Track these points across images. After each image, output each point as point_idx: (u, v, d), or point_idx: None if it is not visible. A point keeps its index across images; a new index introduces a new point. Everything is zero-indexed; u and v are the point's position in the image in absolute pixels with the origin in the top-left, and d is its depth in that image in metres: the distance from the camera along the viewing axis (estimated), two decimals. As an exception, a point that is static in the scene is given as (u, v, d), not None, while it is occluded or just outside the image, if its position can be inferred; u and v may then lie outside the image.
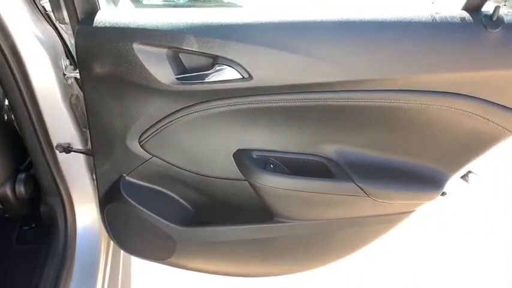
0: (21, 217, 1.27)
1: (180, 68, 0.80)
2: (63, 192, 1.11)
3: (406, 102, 0.78)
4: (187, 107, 0.85)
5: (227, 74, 0.78)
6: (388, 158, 0.87)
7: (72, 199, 1.14)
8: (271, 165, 0.89)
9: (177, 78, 0.79)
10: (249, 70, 0.76)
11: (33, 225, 1.27)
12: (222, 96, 0.82)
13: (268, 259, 1.05)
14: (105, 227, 1.06)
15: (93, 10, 0.81)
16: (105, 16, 0.80)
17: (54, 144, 1.02)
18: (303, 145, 0.89)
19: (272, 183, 0.86)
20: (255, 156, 0.89)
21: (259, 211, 0.94)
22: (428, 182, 0.88)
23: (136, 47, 0.77)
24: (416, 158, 0.87)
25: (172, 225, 0.98)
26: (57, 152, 1.04)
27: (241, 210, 0.99)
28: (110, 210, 1.02)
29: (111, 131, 0.91)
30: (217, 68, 0.78)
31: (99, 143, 0.94)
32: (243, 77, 0.77)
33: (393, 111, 0.80)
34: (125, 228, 1.04)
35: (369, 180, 0.86)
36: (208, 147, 0.92)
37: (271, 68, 0.77)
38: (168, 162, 0.94)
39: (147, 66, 0.78)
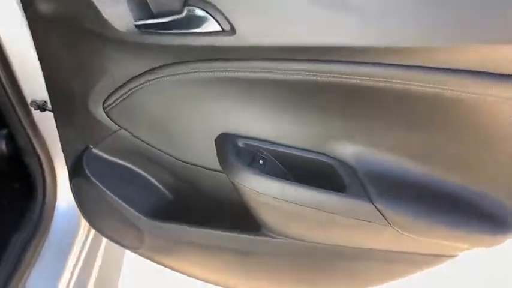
0: (5, 175, 1.17)
1: (143, 12, 0.58)
2: (41, 155, 0.98)
3: (464, 89, 0.49)
4: (155, 69, 0.63)
5: (201, 23, 0.55)
6: (426, 173, 0.59)
7: (53, 163, 1.00)
8: (260, 161, 0.66)
9: (136, 26, 0.58)
10: (230, 19, 0.52)
11: (18, 185, 1.16)
12: (196, 58, 0.60)
13: (249, 275, 0.83)
14: (75, 201, 0.90)
15: None
16: None
17: (29, 101, 0.87)
18: (307, 138, 0.64)
19: (256, 186, 0.63)
20: (240, 145, 0.66)
21: (245, 216, 0.71)
22: (487, 217, 0.58)
23: None
24: (471, 179, 0.58)
25: (140, 216, 0.79)
26: (32, 109, 0.89)
27: (223, 210, 0.77)
28: (76, 184, 0.85)
29: (70, 92, 0.73)
30: (188, 13, 0.55)
31: (59, 105, 0.76)
32: (223, 30, 0.54)
33: (444, 102, 0.52)
34: (92, 207, 0.87)
35: (393, 201, 0.59)
36: (185, 125, 0.70)
37: (262, 19, 0.52)
38: (137, 138, 0.74)
39: (97, 4, 0.57)
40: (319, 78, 0.55)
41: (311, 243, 0.69)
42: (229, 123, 0.66)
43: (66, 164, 0.86)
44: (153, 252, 0.86)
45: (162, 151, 0.75)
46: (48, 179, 1.01)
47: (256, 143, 0.66)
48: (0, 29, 0.76)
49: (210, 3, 0.53)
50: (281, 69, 0.57)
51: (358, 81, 0.54)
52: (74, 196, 0.88)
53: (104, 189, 0.78)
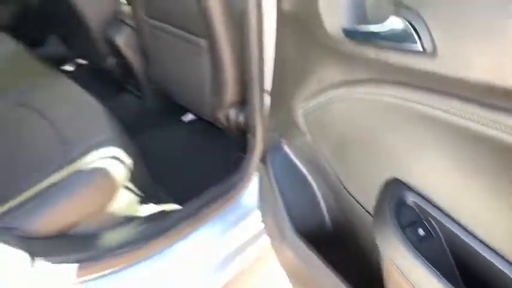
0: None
1: (354, 14, 0.54)
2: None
3: None
4: (349, 82, 0.59)
5: (402, 37, 0.44)
6: None
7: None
8: (420, 230, 0.52)
9: (343, 30, 0.55)
10: (435, 37, 0.41)
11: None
12: (389, 78, 0.49)
13: None
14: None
15: None
16: None
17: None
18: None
19: (400, 261, 0.49)
20: (408, 201, 0.54)
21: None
22: None
23: None
24: None
25: (290, 228, 0.79)
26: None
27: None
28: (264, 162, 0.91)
29: (285, 82, 0.78)
30: (391, 22, 0.44)
31: (274, 91, 0.85)
32: (423, 50, 0.42)
33: None
34: (263, 188, 0.96)
35: None
36: (358, 150, 0.64)
37: (475, 47, 0.40)
38: (319, 148, 0.74)
39: (319, 3, 0.57)
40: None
41: None
42: (403, 166, 0.56)
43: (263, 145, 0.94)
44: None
45: (334, 170, 0.72)
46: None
47: (427, 208, 0.52)
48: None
49: (414, 12, 0.41)
50: (490, 122, 0.40)
51: None
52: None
53: (274, 182, 0.82)
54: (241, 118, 1.19)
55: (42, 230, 0.85)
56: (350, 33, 0.53)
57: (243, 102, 1.16)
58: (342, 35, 0.55)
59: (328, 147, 0.72)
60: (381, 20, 0.47)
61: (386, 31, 0.46)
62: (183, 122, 1.65)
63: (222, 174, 1.09)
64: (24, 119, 1.16)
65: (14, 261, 0.74)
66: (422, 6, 0.42)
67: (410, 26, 0.43)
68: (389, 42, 0.47)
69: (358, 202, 0.68)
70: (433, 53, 0.42)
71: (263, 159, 0.93)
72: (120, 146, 1.04)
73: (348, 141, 0.65)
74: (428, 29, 0.42)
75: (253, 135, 0.99)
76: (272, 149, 0.88)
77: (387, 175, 0.57)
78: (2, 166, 1.01)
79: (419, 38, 0.43)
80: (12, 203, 0.88)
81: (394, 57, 0.48)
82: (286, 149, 0.85)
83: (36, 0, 1.85)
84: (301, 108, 0.74)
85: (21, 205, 0.87)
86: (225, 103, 1.19)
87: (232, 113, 1.21)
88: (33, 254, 0.77)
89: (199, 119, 1.46)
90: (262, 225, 1.05)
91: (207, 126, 1.40)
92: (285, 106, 0.79)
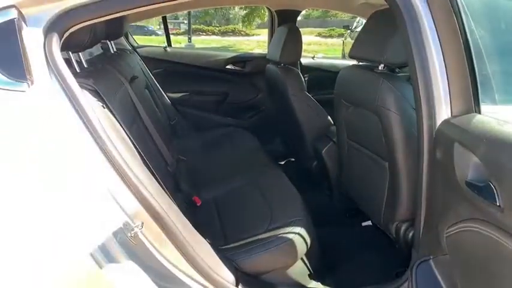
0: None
1: (473, 173, 0.82)
2: None
3: None
4: (466, 220, 0.84)
5: (492, 196, 0.71)
6: None
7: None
8: None
9: (465, 182, 0.81)
10: (502, 199, 0.66)
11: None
12: (488, 219, 0.73)
13: None
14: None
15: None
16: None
17: None
18: None
19: None
20: None
21: None
22: None
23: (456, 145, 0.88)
24: None
25: None
26: None
27: None
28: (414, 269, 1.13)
29: (435, 207, 1.04)
30: (488, 184, 0.70)
31: (428, 209, 1.09)
32: (498, 204, 0.67)
33: None
34: None
35: None
36: (479, 276, 0.85)
37: None
38: (455, 268, 0.95)
39: (455, 159, 0.86)
40: None
41: None
42: None
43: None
44: None
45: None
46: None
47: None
48: None
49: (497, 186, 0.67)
50: None
51: None
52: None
53: None
54: (409, 234, 1.35)
55: (246, 269, 1.27)
56: (468, 185, 0.81)
57: (414, 220, 1.33)
58: (464, 185, 0.82)
59: (458, 266, 0.92)
60: (484, 182, 0.76)
61: (487, 189, 0.74)
62: (361, 226, 1.95)
63: (381, 277, 1.29)
64: (250, 193, 1.72)
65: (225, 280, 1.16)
66: (498, 185, 0.68)
67: (495, 190, 0.68)
68: (487, 197, 0.74)
69: None
70: (500, 208, 0.65)
71: (411, 269, 1.14)
72: (305, 228, 1.41)
73: (470, 265, 0.83)
74: (499, 194, 0.66)
75: (417, 251, 1.18)
76: (420, 263, 1.08)
77: None
78: (234, 219, 1.55)
79: (498, 198, 0.67)
80: (236, 243, 1.37)
81: (489, 207, 0.73)
82: (432, 263, 1.05)
83: (274, 112, 2.60)
84: (445, 233, 0.97)
85: (240, 246, 1.34)
86: (396, 216, 1.40)
87: (403, 227, 1.38)
88: (237, 282, 1.18)
89: (375, 226, 1.71)
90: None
91: (380, 234, 1.64)
92: (434, 228, 1.03)
